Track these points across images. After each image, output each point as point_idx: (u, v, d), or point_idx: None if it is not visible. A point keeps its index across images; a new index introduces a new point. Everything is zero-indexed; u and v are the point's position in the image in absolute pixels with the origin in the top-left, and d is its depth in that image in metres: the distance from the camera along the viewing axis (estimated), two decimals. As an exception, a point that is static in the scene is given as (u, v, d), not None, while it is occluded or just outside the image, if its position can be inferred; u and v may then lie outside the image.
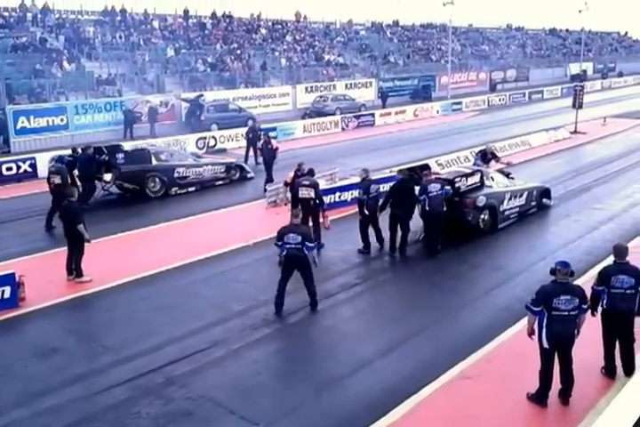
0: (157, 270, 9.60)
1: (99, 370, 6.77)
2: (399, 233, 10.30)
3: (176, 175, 14.69)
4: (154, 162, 14.49)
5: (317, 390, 6.39)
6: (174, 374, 6.68)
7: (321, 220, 10.16)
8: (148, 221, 12.39)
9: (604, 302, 6.26)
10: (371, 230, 10.48)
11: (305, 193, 10.17)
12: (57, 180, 11.73)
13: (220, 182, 15.56)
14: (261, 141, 16.23)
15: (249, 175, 16.19)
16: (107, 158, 13.92)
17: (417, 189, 10.33)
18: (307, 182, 10.28)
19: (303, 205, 9.69)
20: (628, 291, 6.17)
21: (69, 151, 14.19)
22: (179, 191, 14.70)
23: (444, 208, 10.10)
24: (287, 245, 7.91)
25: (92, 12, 30.49)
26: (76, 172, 13.21)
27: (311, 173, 10.98)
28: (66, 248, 9.30)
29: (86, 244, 9.12)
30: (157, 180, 14.37)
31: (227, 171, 15.79)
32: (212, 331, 7.61)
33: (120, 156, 13.97)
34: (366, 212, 10.30)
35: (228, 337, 7.46)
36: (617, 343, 6.39)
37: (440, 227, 10.21)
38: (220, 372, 6.81)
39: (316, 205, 10.16)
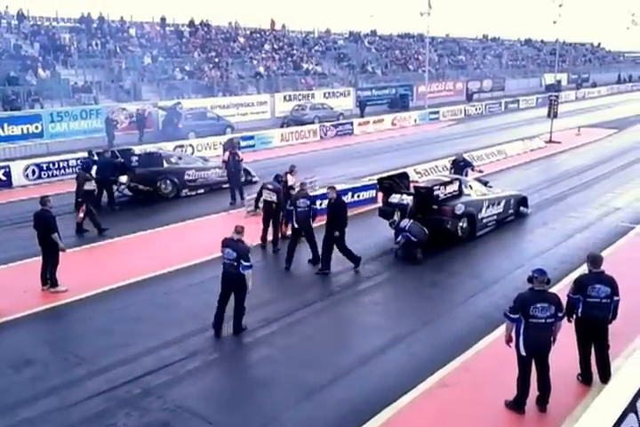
0: (134, 280, 9.49)
1: (74, 381, 6.65)
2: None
3: (186, 178, 15.29)
4: (165, 165, 15.07)
5: (297, 400, 6.35)
6: (151, 385, 6.58)
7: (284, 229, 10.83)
8: (126, 230, 12.23)
9: (580, 310, 6.34)
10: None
11: (267, 196, 10.85)
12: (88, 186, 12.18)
13: (226, 186, 15.67)
14: (226, 154, 14.98)
15: (254, 179, 16.26)
16: (122, 161, 14.44)
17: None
18: (270, 186, 10.90)
19: (265, 208, 10.76)
20: (603, 300, 6.27)
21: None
22: (189, 193, 15.28)
23: (312, 223, 9.96)
24: (223, 259, 7.51)
25: (67, 19, 30.24)
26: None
27: (278, 178, 11.37)
28: (40, 258, 9.13)
29: (61, 253, 8.97)
30: (169, 182, 14.92)
31: None
32: (189, 341, 7.53)
33: (134, 159, 14.55)
34: (296, 225, 10.08)
35: (205, 347, 7.38)
36: (592, 351, 6.47)
37: (312, 236, 10.01)
38: (198, 382, 6.73)
39: (278, 210, 10.76)
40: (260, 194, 11.15)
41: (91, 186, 12.33)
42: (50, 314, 8.46)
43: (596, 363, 6.50)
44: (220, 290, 7.68)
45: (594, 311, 6.28)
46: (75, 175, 13.80)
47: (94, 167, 13.86)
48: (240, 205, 13.94)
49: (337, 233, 9.60)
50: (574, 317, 6.43)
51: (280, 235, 11.13)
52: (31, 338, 7.77)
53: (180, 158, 15.92)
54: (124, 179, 14.73)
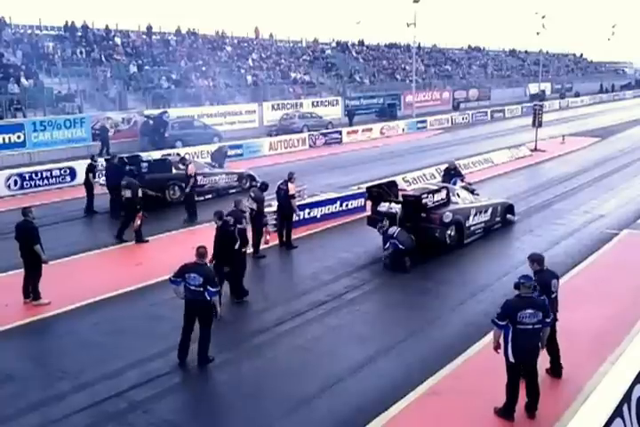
0: (119, 292, 9.33)
1: (57, 396, 6.49)
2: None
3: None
4: (174, 171, 15.23)
5: (286, 411, 6.26)
6: (136, 399, 6.45)
7: (268, 237, 10.96)
8: (112, 240, 12.07)
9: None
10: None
11: (247, 203, 10.86)
12: (127, 193, 12.13)
13: (233, 191, 16.01)
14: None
15: (258, 185, 16.24)
16: (132, 168, 14.57)
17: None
18: (252, 195, 11.07)
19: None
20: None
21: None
22: (197, 198, 15.22)
23: (237, 245, 8.81)
24: (188, 286, 6.97)
25: (51, 28, 30.02)
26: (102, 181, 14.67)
27: (262, 187, 11.51)
28: (22, 270, 8.96)
29: (43, 265, 8.79)
30: (177, 187, 15.12)
31: (239, 180, 16.60)
32: (174, 354, 7.35)
33: (144, 165, 14.75)
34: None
35: (191, 360, 7.24)
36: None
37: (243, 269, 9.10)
38: (185, 396, 6.63)
39: (257, 218, 10.87)
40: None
41: (127, 193, 12.23)
42: (32, 327, 8.28)
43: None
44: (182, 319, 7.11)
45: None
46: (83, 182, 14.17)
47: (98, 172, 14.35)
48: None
49: (226, 268, 8.51)
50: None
51: (263, 241, 11.15)
52: (13, 352, 7.59)
53: (185, 165, 15.98)
54: None
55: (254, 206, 10.92)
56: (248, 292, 9.07)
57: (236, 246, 8.77)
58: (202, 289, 6.87)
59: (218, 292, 7.10)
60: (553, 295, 6.41)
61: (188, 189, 13.78)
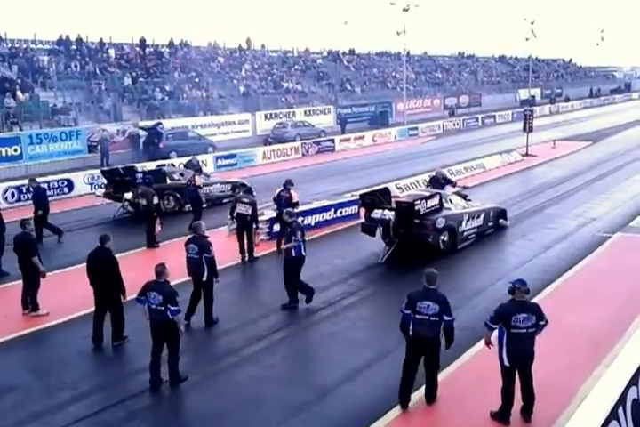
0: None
1: (57, 406, 6.55)
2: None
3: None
4: (168, 181, 15.59)
5: (285, 418, 6.33)
6: (135, 408, 6.52)
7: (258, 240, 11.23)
8: (121, 246, 12.07)
9: (410, 327, 6.19)
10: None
11: (242, 209, 11.23)
12: (143, 202, 12.61)
13: (227, 200, 16.01)
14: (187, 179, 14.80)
15: (242, 191, 16.38)
16: (128, 178, 14.77)
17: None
18: (246, 200, 11.31)
19: (240, 221, 11.15)
20: (432, 318, 6.12)
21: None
22: (191, 208, 15.41)
23: (205, 277, 8.37)
24: (150, 305, 6.83)
25: (46, 42, 30.22)
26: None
27: (249, 191, 11.92)
28: (21, 281, 9.03)
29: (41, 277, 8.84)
30: (171, 197, 15.47)
31: (232, 189, 16.67)
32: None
33: (139, 176, 14.80)
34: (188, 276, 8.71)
35: (188, 369, 7.29)
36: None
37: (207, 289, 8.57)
38: (183, 404, 6.69)
39: (252, 222, 11.17)
40: (233, 207, 11.55)
41: (156, 200, 12.62)
42: (31, 338, 8.34)
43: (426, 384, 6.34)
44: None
45: (421, 329, 6.13)
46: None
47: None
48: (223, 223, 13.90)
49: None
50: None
51: (254, 245, 11.40)
52: (12, 363, 7.65)
53: (182, 175, 16.23)
54: (128, 195, 14.89)
55: (249, 211, 11.13)
56: (218, 320, 8.58)
57: (205, 278, 8.19)
58: (163, 308, 6.69)
59: (179, 311, 6.83)
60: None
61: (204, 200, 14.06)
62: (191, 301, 8.49)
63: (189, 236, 8.78)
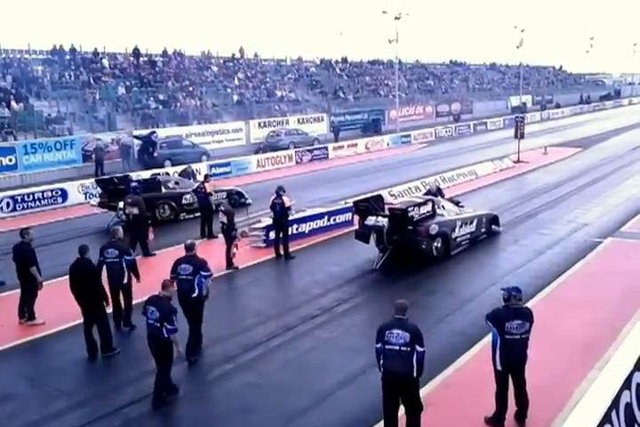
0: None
1: (53, 415, 6.56)
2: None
3: (184, 202, 15.84)
4: (163, 190, 15.70)
5: (281, 424, 6.37)
6: (131, 416, 6.54)
7: (235, 250, 11.24)
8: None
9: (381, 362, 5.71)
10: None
11: (221, 217, 11.44)
12: (135, 210, 12.39)
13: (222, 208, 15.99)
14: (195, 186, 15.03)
15: (247, 201, 16.47)
16: (122, 187, 14.75)
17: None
18: (222, 208, 11.53)
19: (221, 229, 11.51)
20: (402, 348, 5.59)
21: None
22: (186, 216, 15.70)
23: (125, 279, 8.53)
24: (147, 319, 6.62)
25: (40, 52, 30.28)
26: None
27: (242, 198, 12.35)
28: (17, 291, 9.05)
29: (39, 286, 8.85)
30: (166, 206, 15.54)
31: (228, 197, 16.42)
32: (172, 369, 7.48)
33: (134, 184, 14.64)
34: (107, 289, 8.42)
35: (185, 377, 7.34)
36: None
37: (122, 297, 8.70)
38: (179, 412, 6.69)
39: (229, 231, 11.24)
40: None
41: (135, 210, 12.54)
42: (28, 347, 8.35)
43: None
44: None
45: (391, 363, 5.56)
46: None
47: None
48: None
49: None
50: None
51: (232, 254, 11.37)
52: (9, 372, 7.66)
53: (177, 183, 16.34)
54: (122, 204, 14.83)
55: (225, 220, 11.30)
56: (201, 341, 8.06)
57: (195, 294, 7.66)
58: (159, 325, 6.43)
59: (176, 330, 6.47)
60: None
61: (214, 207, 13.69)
62: None
63: (181, 256, 8.05)
